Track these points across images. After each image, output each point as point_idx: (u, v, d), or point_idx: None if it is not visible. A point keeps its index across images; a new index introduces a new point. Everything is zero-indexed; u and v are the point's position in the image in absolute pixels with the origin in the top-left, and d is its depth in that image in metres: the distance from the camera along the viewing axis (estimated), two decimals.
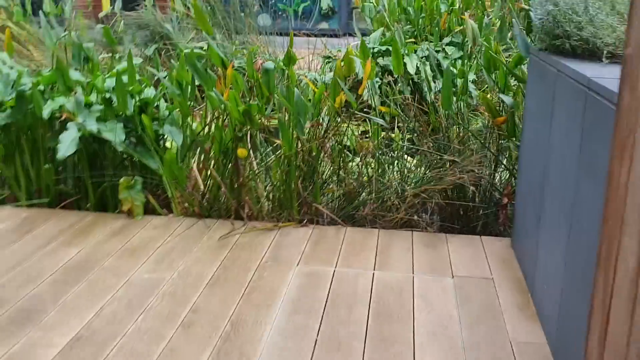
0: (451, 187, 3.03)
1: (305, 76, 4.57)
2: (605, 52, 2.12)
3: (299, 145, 3.12)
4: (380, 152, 3.24)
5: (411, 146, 3.13)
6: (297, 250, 2.83)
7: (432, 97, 5.06)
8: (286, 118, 3.13)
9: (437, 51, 5.64)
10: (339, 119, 3.21)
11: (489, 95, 4.34)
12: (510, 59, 3.24)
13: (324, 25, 9.77)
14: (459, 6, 5.79)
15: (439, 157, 3.03)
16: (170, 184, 3.21)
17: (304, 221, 3.12)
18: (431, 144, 2.97)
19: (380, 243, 2.92)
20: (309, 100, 3.28)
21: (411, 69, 5.19)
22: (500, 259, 2.76)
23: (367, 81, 3.12)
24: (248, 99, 3.33)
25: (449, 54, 5.62)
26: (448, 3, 5.78)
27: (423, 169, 3.19)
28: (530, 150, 2.61)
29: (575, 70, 1.95)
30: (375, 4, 6.08)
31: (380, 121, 3.10)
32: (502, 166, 3.08)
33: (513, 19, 2.98)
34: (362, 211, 3.15)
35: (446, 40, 5.75)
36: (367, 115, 3.15)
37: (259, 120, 2.98)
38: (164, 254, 2.80)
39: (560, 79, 2.16)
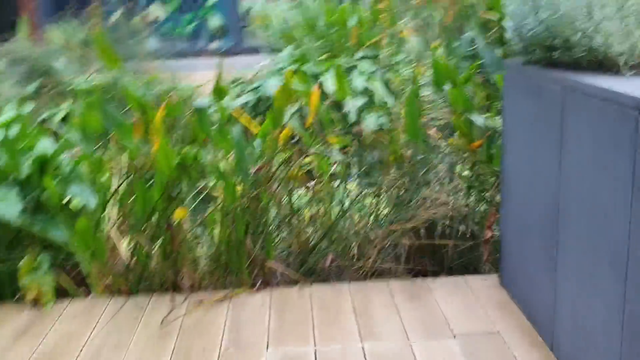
0: (423, 224, 2.65)
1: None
2: (621, 62, 1.81)
3: (242, 192, 2.61)
4: (335, 189, 2.80)
5: (385, 184, 2.71)
6: (261, 327, 2.32)
7: (357, 118, 4.72)
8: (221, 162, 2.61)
9: (352, 67, 5.31)
10: (286, 156, 2.73)
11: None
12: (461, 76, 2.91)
13: (215, 45, 9.21)
14: (368, 19, 5.49)
15: (405, 191, 2.64)
16: (85, 258, 2.58)
17: (258, 284, 2.61)
18: (405, 179, 2.57)
19: (355, 301, 2.47)
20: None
21: (330, 88, 4.81)
22: (497, 304, 2.40)
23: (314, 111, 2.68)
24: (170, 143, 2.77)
25: (363, 70, 5.30)
26: (357, 17, 5.46)
27: (385, 206, 2.78)
28: (521, 179, 2.28)
29: (608, 89, 1.61)
30: (280, 20, 5.66)
31: (339, 156, 2.66)
32: (478, 195, 2.74)
33: (471, 32, 2.67)
34: (323, 264, 2.69)
35: (359, 54, 5.44)
36: (323, 152, 2.70)
37: (197, 174, 2.44)
38: (93, 355, 2.18)
39: (573, 97, 1.82)
